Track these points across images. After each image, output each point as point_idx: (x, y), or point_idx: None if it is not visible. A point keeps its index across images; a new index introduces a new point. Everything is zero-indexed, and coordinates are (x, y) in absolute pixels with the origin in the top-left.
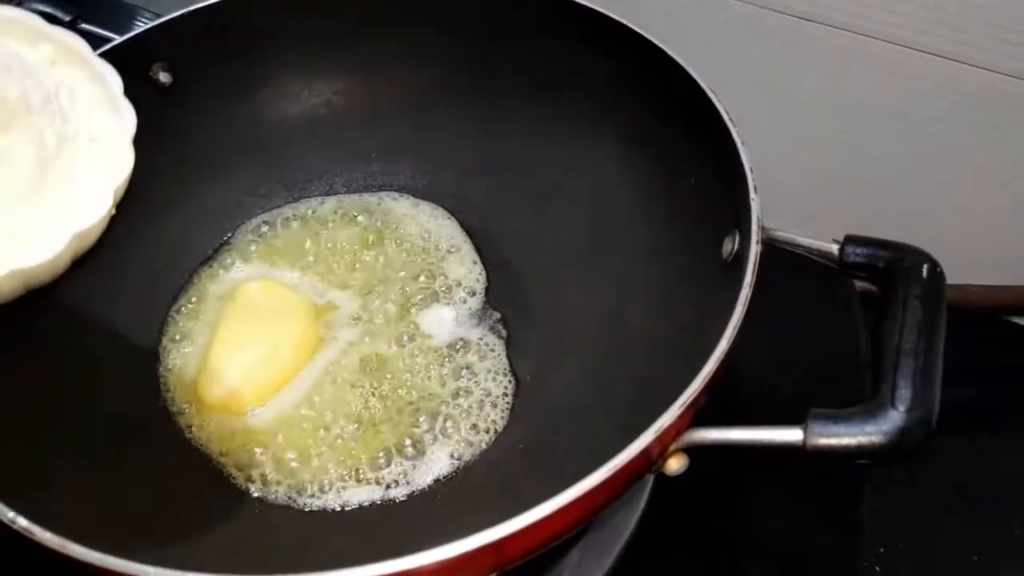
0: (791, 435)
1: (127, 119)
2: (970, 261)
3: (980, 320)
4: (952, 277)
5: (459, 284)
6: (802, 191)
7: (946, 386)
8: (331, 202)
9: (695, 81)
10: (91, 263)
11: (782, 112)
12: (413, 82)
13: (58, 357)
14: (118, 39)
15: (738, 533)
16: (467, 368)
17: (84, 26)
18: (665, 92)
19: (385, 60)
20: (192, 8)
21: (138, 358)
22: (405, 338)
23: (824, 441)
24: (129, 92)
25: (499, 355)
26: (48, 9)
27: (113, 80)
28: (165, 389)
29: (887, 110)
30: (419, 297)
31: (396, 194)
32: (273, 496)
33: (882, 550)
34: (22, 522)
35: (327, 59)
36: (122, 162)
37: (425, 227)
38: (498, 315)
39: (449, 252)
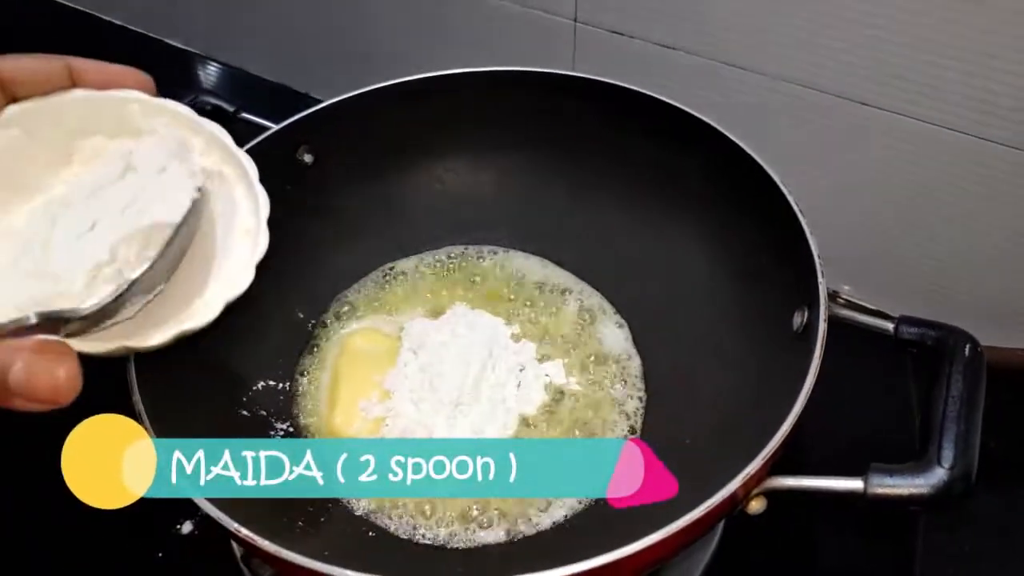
0: (854, 484)
1: (262, 203)
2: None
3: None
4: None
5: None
6: (862, 257)
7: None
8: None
9: (769, 175)
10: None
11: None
12: (512, 163)
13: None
14: (273, 127)
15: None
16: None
17: (244, 115)
18: (742, 181)
19: (490, 143)
20: (331, 101)
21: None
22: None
23: (881, 491)
24: (279, 171)
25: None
26: (216, 102)
27: (251, 168)
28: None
29: (939, 188)
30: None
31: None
32: (394, 527)
33: None
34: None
35: (440, 142)
36: (261, 239)
37: (541, 272)
38: None
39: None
